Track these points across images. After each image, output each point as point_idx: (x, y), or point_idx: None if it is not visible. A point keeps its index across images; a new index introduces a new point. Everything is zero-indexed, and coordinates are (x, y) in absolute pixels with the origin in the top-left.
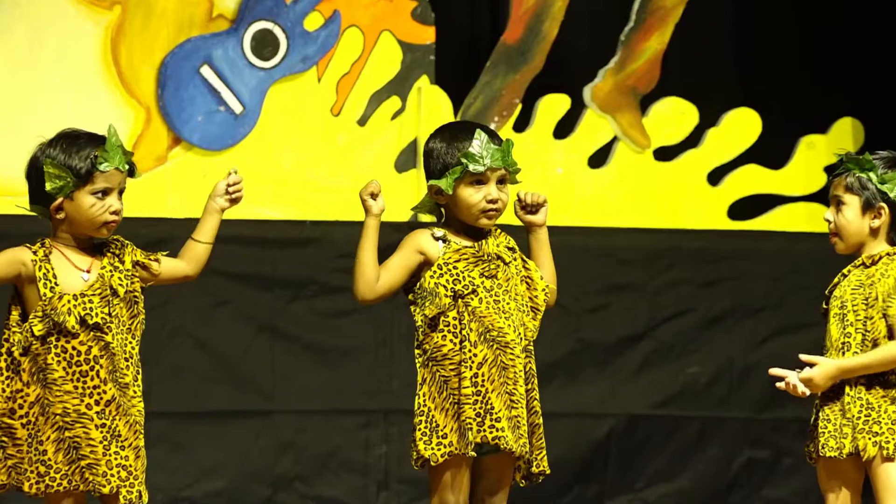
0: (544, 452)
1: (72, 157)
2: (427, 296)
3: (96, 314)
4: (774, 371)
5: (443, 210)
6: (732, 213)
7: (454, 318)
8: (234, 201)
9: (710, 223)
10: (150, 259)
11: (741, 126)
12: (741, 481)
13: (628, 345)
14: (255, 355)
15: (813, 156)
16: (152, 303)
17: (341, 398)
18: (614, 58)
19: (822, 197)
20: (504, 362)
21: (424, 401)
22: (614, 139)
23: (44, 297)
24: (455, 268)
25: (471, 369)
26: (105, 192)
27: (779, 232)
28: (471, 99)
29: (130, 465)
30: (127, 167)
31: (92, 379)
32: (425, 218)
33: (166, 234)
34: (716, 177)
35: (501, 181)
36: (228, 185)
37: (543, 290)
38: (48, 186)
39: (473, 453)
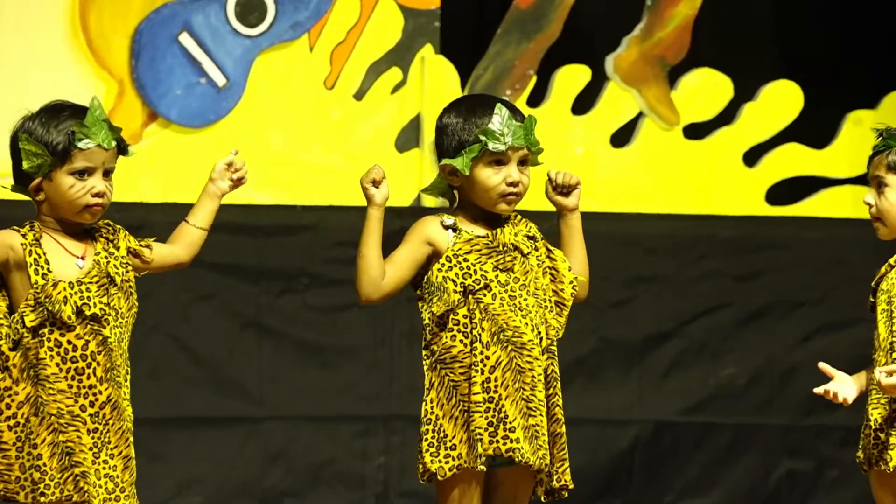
0: (567, 464)
1: (49, 132)
2: (435, 291)
3: (94, 304)
4: (825, 367)
5: (456, 193)
6: (771, 197)
7: (464, 317)
8: (236, 184)
9: (746, 209)
10: (140, 246)
11: (781, 100)
12: (780, 495)
13: (655, 343)
14: (240, 355)
15: (860, 133)
16: None
17: (336, 403)
18: (639, 24)
19: None
20: (520, 365)
21: (432, 407)
22: (639, 115)
23: (35, 285)
24: (465, 260)
25: (482, 373)
26: (86, 172)
27: (823, 218)
28: (480, 70)
29: (118, 477)
30: (113, 144)
31: (88, 377)
32: (429, 202)
33: (141, 220)
34: (753, 157)
35: (523, 162)
36: (229, 166)
37: (571, 282)
38: (25, 165)
39: (483, 467)
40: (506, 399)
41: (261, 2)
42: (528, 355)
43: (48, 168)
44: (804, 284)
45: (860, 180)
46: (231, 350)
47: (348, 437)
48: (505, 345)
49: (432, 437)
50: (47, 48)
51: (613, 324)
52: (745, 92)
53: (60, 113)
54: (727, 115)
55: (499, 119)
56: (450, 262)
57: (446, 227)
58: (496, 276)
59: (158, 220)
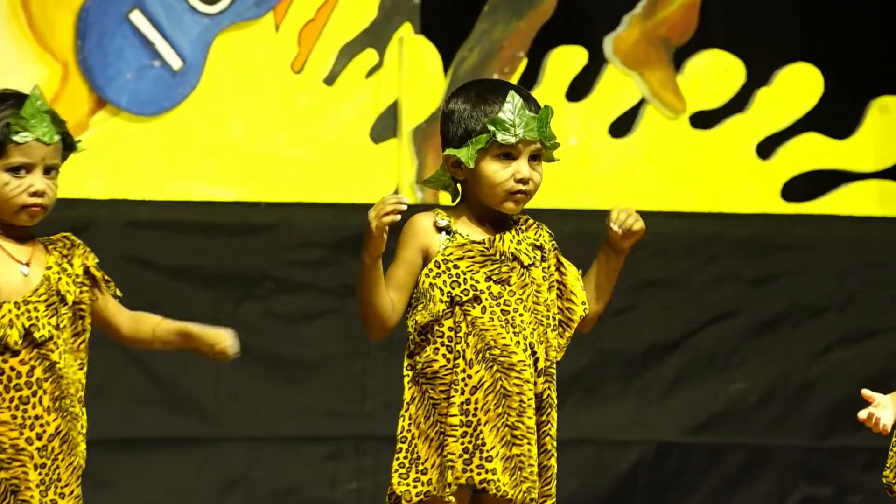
0: (552, 501)
1: None
2: (421, 297)
3: (43, 326)
4: (867, 393)
5: (459, 187)
6: (788, 193)
7: (449, 329)
8: (213, 356)
9: (759, 206)
10: (105, 280)
11: (798, 86)
12: None
13: (660, 355)
14: (195, 370)
15: (887, 122)
16: None
17: (303, 422)
18: (641, 1)
19: None
20: (506, 388)
21: (408, 425)
22: (641, 102)
23: None
24: (456, 266)
25: (462, 394)
26: (23, 168)
27: (845, 216)
28: (464, 52)
29: None
30: (56, 138)
31: (34, 407)
32: (413, 198)
33: (86, 219)
34: (767, 149)
35: (535, 157)
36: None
37: (584, 303)
38: None
39: (452, 498)
40: (485, 424)
41: None
42: (517, 378)
43: None
44: (824, 290)
45: (888, 174)
46: (185, 364)
47: (316, 460)
48: (490, 364)
49: (404, 458)
50: None
51: (613, 333)
52: (758, 76)
53: (1, 102)
54: (739, 102)
55: (510, 108)
56: (438, 267)
57: (439, 230)
58: (488, 288)
59: (106, 218)
